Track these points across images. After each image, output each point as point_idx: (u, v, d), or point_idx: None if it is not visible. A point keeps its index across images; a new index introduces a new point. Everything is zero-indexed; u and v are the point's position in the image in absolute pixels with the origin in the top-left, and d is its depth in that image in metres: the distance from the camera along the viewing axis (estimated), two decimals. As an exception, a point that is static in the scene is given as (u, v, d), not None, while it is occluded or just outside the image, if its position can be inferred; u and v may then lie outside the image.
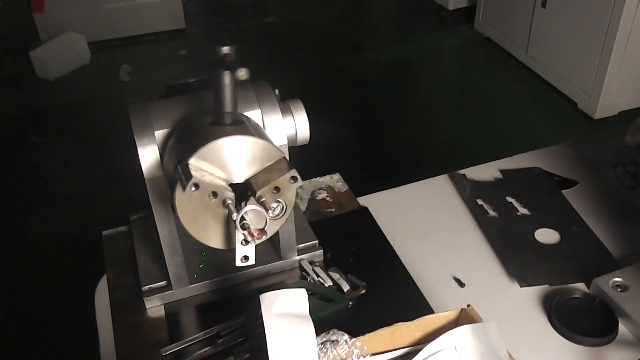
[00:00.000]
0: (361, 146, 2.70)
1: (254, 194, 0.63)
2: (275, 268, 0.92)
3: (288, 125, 0.81)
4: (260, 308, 0.69)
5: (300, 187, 1.09)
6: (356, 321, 0.83)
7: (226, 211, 0.65)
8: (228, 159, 0.66)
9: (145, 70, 3.34)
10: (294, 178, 0.63)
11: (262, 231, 0.63)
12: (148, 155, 0.75)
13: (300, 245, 0.93)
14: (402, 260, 0.94)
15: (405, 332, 0.72)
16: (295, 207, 1.01)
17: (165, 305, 0.89)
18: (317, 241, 0.94)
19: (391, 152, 2.66)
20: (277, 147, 0.66)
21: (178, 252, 0.84)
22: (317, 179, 1.11)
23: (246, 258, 0.67)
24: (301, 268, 0.92)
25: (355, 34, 3.81)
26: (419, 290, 0.88)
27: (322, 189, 1.09)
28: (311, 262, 0.93)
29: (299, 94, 0.86)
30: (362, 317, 0.84)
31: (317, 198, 1.07)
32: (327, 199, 1.07)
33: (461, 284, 0.90)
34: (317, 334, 0.69)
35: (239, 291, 0.90)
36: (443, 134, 2.83)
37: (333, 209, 1.04)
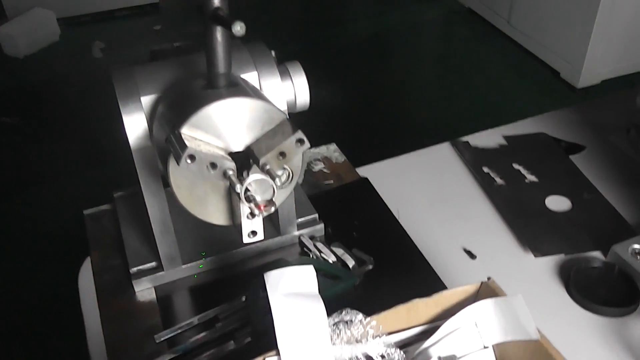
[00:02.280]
0: (349, 118, 2.64)
1: (257, 162, 0.56)
2: (274, 244, 0.86)
3: (287, 90, 0.74)
4: (262, 288, 0.63)
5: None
6: (365, 299, 0.77)
7: (227, 183, 0.58)
8: (225, 125, 0.59)
9: (118, 47, 3.21)
10: (300, 141, 0.57)
11: (270, 202, 0.57)
12: (134, 124, 0.68)
13: (300, 220, 0.87)
14: (408, 233, 0.88)
15: (422, 308, 0.67)
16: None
17: (156, 288, 0.82)
18: (316, 215, 0.88)
19: (375, 124, 2.61)
20: (278, 109, 0.59)
21: (169, 230, 0.77)
22: (312, 150, 1.04)
23: (254, 233, 0.61)
24: (301, 244, 0.86)
25: (334, 7, 3.72)
26: (429, 264, 0.83)
27: (318, 160, 1.03)
28: (312, 237, 0.87)
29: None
30: (371, 295, 0.78)
31: (314, 170, 1.01)
32: (325, 170, 1.00)
33: (472, 255, 0.85)
34: (327, 313, 0.63)
35: (236, 270, 0.84)
36: (426, 107, 2.79)
37: (331, 181, 0.98)
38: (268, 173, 0.56)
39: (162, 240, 0.78)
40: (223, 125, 0.59)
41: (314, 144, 1.03)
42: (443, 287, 0.79)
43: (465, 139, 1.07)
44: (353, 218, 0.91)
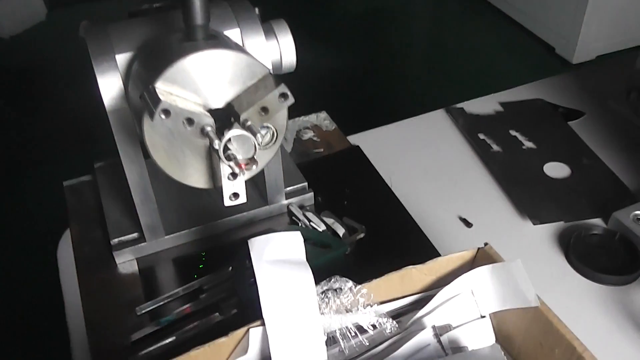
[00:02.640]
0: (340, 85, 2.59)
1: (237, 118, 0.52)
2: (262, 214, 0.82)
3: (272, 49, 0.70)
4: (248, 257, 0.60)
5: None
6: (356, 268, 0.74)
7: (206, 141, 0.54)
8: (203, 80, 0.55)
9: (106, 26, 3.14)
10: (283, 95, 0.53)
11: (252, 160, 0.53)
12: (109, 83, 0.64)
13: (288, 189, 0.83)
14: (402, 201, 0.84)
15: (415, 276, 0.63)
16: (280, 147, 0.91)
17: (138, 259, 0.78)
18: (306, 183, 0.85)
19: (367, 93, 2.56)
20: (260, 63, 0.55)
21: (150, 198, 0.73)
22: (301, 117, 1.01)
23: (236, 196, 0.57)
24: (290, 213, 0.83)
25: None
26: (423, 232, 0.79)
27: (307, 128, 0.99)
28: (301, 207, 0.83)
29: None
30: (362, 264, 0.75)
31: (303, 138, 0.97)
32: (314, 138, 0.97)
33: (468, 224, 0.82)
34: (316, 282, 0.59)
35: (222, 241, 0.80)
36: (417, 79, 2.74)
37: (321, 150, 0.95)
38: (249, 129, 0.52)
39: (143, 209, 0.74)
40: (201, 80, 0.54)
41: (303, 111, 1.00)
42: (438, 255, 0.75)
43: (459, 105, 1.03)
44: (344, 187, 0.87)
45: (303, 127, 0.99)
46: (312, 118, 1.00)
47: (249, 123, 0.53)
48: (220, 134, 0.52)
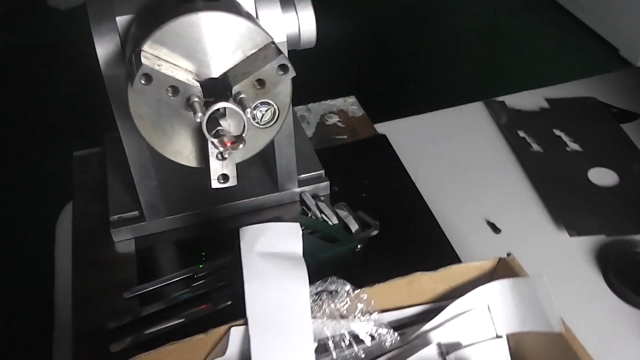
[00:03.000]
0: (371, 68, 2.42)
1: (229, 90, 0.46)
2: (271, 201, 0.76)
3: (289, 20, 0.63)
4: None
5: (309, 109, 0.93)
6: (364, 268, 0.67)
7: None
8: (196, 45, 0.49)
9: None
10: (283, 67, 0.46)
11: (239, 138, 0.47)
12: (107, 47, 0.58)
13: (303, 176, 0.77)
14: (425, 198, 0.77)
15: (425, 284, 0.56)
16: (299, 130, 0.85)
17: (136, 239, 0.73)
18: (322, 171, 0.78)
19: (400, 79, 2.41)
20: (263, 30, 0.49)
21: (150, 174, 0.68)
22: (328, 101, 0.94)
23: (225, 178, 0.51)
24: (302, 202, 0.77)
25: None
26: (444, 234, 0.72)
27: (333, 112, 0.92)
28: (314, 196, 0.77)
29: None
30: (371, 264, 0.68)
31: (327, 123, 0.90)
32: (339, 124, 0.90)
33: (496, 229, 0.74)
34: (314, 280, 0.53)
35: (225, 226, 0.74)
36: (460, 68, 2.57)
37: (345, 136, 0.88)
38: (240, 103, 0.45)
39: (142, 186, 0.69)
40: (195, 45, 0.49)
41: (330, 94, 0.93)
42: (458, 261, 0.68)
43: (501, 99, 0.94)
44: (364, 178, 0.80)
45: (328, 112, 0.92)
46: (339, 102, 0.93)
47: (241, 96, 0.46)
48: (208, 106, 0.46)
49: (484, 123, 0.91)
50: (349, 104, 0.93)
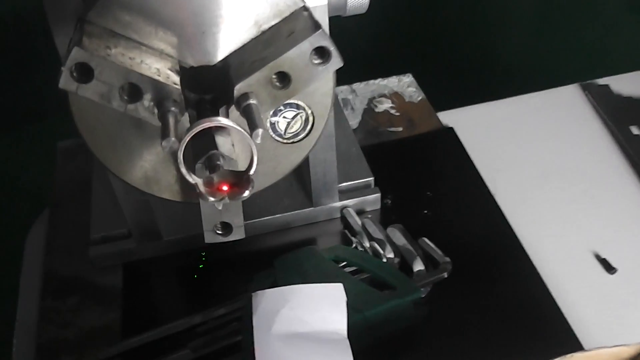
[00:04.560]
0: (433, 42, 2.11)
1: (230, 90, 0.27)
2: (301, 219, 0.57)
3: (331, -27, 0.43)
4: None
5: (353, 91, 0.73)
6: (431, 330, 0.48)
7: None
8: (178, 10, 0.29)
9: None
10: (322, 53, 0.27)
11: (243, 180, 0.28)
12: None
13: (345, 185, 0.58)
14: (507, 216, 0.57)
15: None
16: (340, 120, 0.65)
17: (124, 266, 0.56)
18: (372, 179, 0.59)
19: (469, 60, 2.11)
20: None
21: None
22: (377, 80, 0.74)
23: (225, 228, 0.32)
24: (343, 219, 0.58)
25: None
26: (539, 274, 0.52)
27: (384, 96, 0.72)
28: (360, 212, 0.58)
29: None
30: (441, 322, 0.49)
31: (377, 110, 0.70)
32: (392, 112, 0.70)
33: (609, 267, 0.54)
34: (365, 343, 0.35)
35: (240, 251, 0.56)
36: (539, 42, 2.22)
37: (400, 128, 0.68)
38: (246, 112, 0.26)
39: (128, 201, 0.51)
40: (175, 11, 0.29)
41: (380, 72, 0.73)
42: (562, 320, 0.49)
43: (603, 81, 0.73)
44: (425, 187, 0.61)
45: (378, 95, 0.72)
46: (392, 82, 0.73)
47: (249, 102, 0.27)
48: (192, 118, 0.27)
49: (581, 113, 0.70)
50: (405, 84, 0.73)
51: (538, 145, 0.66)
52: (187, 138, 0.25)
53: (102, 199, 0.59)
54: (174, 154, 0.29)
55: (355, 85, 0.73)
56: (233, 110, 0.30)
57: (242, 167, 0.28)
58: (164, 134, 0.26)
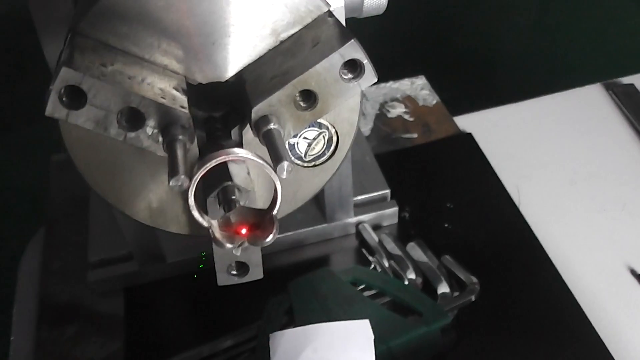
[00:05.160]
0: (448, 42, 1.91)
1: (247, 112, 0.23)
2: (314, 236, 0.54)
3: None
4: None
5: (364, 95, 0.69)
6: (458, 354, 0.45)
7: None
8: (183, 18, 0.26)
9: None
10: (354, 66, 0.23)
11: (266, 220, 0.24)
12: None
13: (360, 198, 0.54)
14: (534, 229, 0.54)
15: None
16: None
17: (126, 291, 0.52)
18: (388, 191, 0.55)
19: (486, 60, 1.94)
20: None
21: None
22: (389, 83, 0.70)
23: (241, 268, 0.28)
24: (358, 235, 0.54)
25: None
26: (570, 292, 0.49)
27: (397, 100, 0.68)
28: (376, 227, 0.54)
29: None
30: (467, 346, 0.45)
31: (390, 115, 0.67)
32: (406, 117, 0.66)
33: (647, 283, 0.50)
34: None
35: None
36: (560, 38, 2.04)
37: (415, 135, 0.64)
38: (267, 140, 0.23)
39: (127, 221, 0.47)
40: (180, 18, 0.25)
41: (392, 74, 0.70)
42: (597, 339, 0.45)
43: (628, 80, 0.69)
44: (445, 199, 0.57)
45: (390, 99, 0.68)
46: (405, 85, 0.69)
47: (271, 127, 0.23)
48: (204, 150, 0.23)
49: (607, 114, 0.66)
50: (418, 87, 0.69)
51: (562, 149, 0.63)
52: (199, 176, 0.22)
53: (100, 217, 0.55)
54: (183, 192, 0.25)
55: (365, 89, 0.69)
56: (247, 129, 0.27)
57: (259, 196, 0.24)
58: (172, 170, 0.22)
